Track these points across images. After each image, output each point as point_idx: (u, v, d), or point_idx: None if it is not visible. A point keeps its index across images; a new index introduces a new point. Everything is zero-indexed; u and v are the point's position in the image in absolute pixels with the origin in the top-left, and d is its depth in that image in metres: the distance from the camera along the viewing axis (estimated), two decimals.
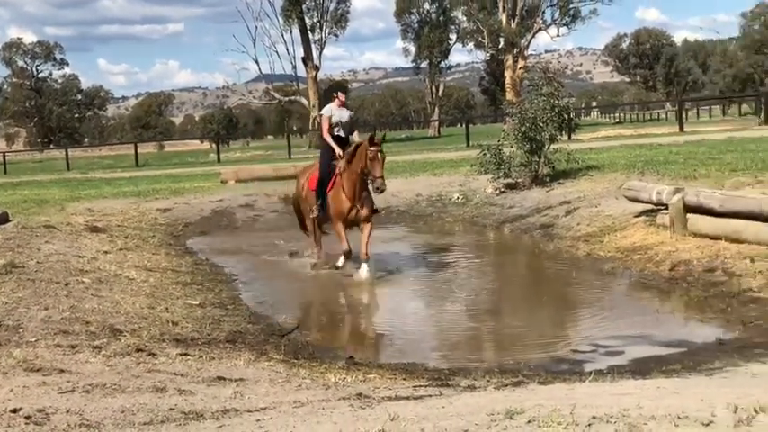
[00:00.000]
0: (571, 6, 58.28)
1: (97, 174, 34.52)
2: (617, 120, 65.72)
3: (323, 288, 10.88)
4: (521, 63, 56.51)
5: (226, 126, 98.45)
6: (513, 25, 56.36)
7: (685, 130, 34.04)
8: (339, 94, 11.70)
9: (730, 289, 8.58)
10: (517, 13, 56.83)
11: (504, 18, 56.64)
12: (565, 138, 19.60)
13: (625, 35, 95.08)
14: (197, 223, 17.65)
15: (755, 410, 3.56)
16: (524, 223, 15.15)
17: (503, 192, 17.61)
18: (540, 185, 17.06)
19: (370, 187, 10.77)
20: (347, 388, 5.32)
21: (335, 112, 11.51)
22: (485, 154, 17.56)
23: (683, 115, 40.56)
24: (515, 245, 14.32)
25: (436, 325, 8.88)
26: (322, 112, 11.75)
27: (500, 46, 58.38)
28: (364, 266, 10.60)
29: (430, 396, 4.76)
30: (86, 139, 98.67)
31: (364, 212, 10.97)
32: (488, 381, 5.58)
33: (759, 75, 68.80)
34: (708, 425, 3.46)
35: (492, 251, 14.32)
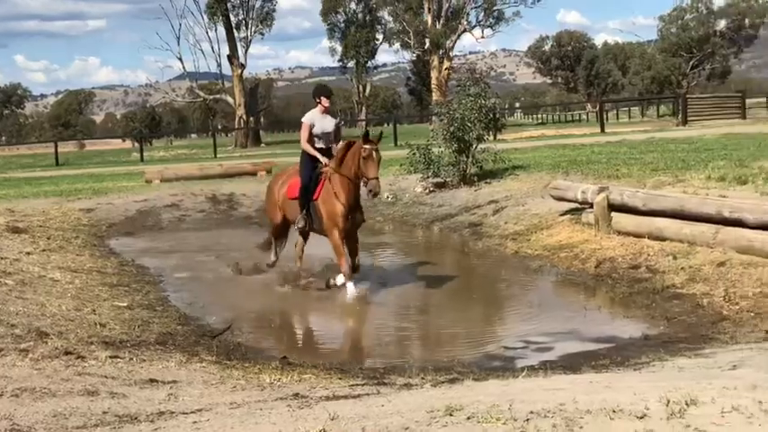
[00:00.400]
0: (495, 8, 59.17)
1: (16, 173, 33.52)
2: (540, 120, 66.97)
3: (252, 289, 10.74)
4: (446, 64, 57.06)
5: (148, 124, 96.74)
6: (439, 26, 56.89)
7: (606, 130, 34.85)
8: (323, 98, 10.05)
9: (654, 285, 8.83)
10: (442, 14, 57.39)
11: (429, 19, 57.14)
12: (491, 138, 19.84)
13: (547, 37, 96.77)
14: (122, 223, 17.31)
15: (686, 403, 3.66)
16: (453, 222, 15.30)
17: (432, 191, 17.76)
18: (469, 185, 17.24)
19: (362, 191, 9.70)
20: (283, 388, 5.30)
21: (318, 120, 10.04)
22: (414, 153, 17.69)
23: (604, 116, 41.49)
24: (445, 243, 14.46)
25: (368, 324, 8.90)
26: (303, 120, 10.18)
27: (426, 46, 58.88)
28: (350, 284, 9.56)
29: (368, 395, 4.77)
30: (3, 138, 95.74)
31: (360, 219, 9.95)
32: (423, 378, 5.62)
33: (676, 77, 70.69)
34: (642, 418, 3.54)
35: (422, 250, 14.41)
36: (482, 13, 59.51)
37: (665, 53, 71.69)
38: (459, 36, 59.31)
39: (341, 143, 9.96)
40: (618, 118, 57.64)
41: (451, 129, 17.09)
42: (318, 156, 9.95)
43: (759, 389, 3.97)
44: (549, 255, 11.12)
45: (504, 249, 12.19)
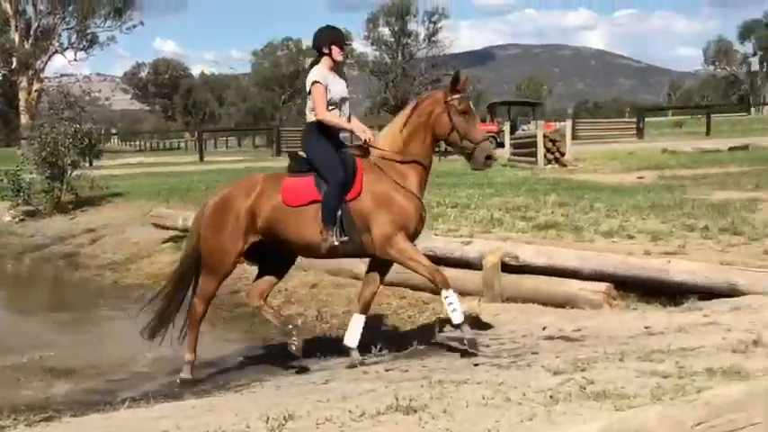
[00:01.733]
0: (88, 31, 57.43)
1: None
2: (138, 148, 65.91)
3: None
4: (36, 85, 53.96)
5: None
6: (28, 45, 53.71)
7: (205, 159, 35.42)
8: (334, 48, 6.57)
9: (252, 309, 9.11)
10: (31, 33, 54.32)
11: (17, 37, 53.70)
12: (87, 164, 19.21)
13: (144, 64, 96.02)
14: None
15: (285, 418, 3.90)
16: (47, 252, 14.58)
17: (23, 219, 16.85)
18: (64, 213, 16.58)
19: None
20: None
21: (330, 81, 6.56)
22: (2, 180, 16.64)
23: (203, 145, 42.08)
24: (36, 275, 13.66)
25: None
26: (314, 78, 6.50)
27: (13, 66, 55.14)
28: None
29: None
30: None
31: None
32: (16, 419, 5.25)
33: (270, 109, 74.16)
34: None
35: (10, 283, 13.44)
36: (75, 35, 57.41)
37: (259, 86, 74.93)
38: (50, 57, 56.54)
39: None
40: (216, 147, 58.69)
41: (43, 154, 16.37)
42: (353, 127, 6.68)
43: (348, 399, 4.35)
44: (152, 283, 10.96)
45: (103, 279, 11.92)
